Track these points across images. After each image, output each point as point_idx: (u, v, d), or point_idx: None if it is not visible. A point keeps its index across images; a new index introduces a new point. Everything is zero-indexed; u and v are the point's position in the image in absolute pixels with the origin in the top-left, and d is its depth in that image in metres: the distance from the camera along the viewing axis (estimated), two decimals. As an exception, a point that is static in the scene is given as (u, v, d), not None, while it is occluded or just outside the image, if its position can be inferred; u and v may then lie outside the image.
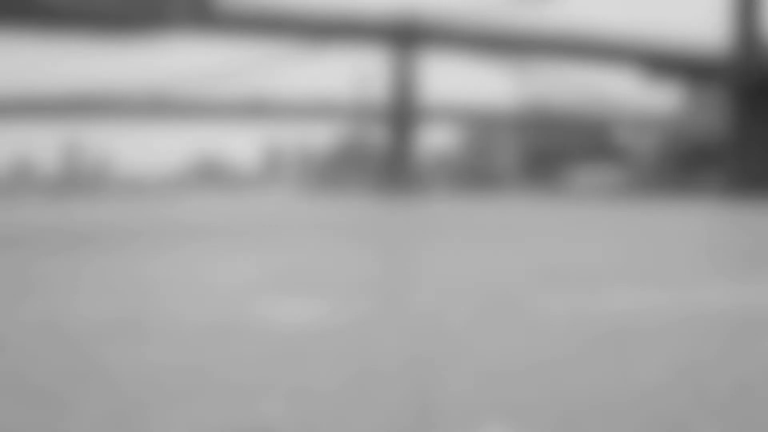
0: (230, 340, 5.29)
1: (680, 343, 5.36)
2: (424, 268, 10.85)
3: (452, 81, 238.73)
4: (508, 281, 9.26)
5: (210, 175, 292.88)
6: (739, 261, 12.95)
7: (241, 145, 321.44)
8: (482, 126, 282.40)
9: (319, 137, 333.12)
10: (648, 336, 5.70)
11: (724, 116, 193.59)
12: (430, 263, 11.94)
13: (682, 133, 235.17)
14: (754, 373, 4.37)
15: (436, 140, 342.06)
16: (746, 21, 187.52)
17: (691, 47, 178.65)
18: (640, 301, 8.01)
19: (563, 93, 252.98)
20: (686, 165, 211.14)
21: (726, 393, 3.96)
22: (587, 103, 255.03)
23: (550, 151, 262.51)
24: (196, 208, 54.08)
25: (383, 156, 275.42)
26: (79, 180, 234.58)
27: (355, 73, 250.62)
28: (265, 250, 14.15)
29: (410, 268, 10.89)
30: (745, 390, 4.00)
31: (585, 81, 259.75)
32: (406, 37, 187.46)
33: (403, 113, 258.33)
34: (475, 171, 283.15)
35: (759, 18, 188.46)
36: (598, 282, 9.83)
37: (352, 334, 5.54)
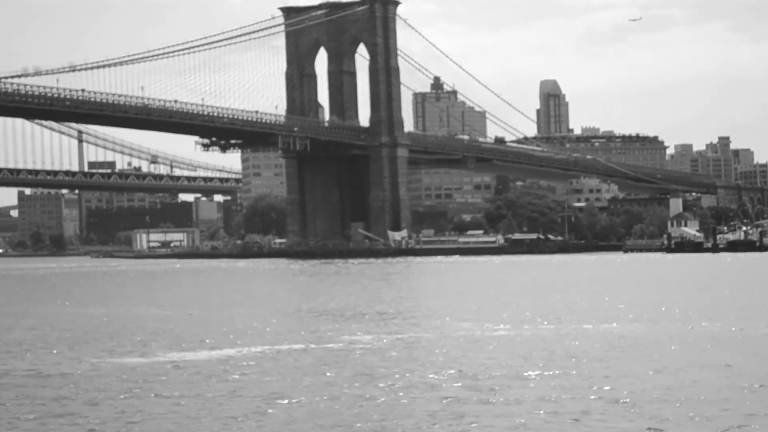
0: None
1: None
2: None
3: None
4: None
5: None
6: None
7: None
8: (45, 189, 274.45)
9: None
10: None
11: (287, 178, 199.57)
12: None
13: (247, 196, 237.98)
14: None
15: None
16: (299, 95, 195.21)
17: (254, 118, 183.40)
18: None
19: (132, 159, 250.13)
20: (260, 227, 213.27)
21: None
22: (157, 168, 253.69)
23: (114, 214, 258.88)
24: None
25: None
26: None
27: None
28: None
29: None
30: None
31: (156, 147, 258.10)
32: None
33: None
34: (40, 232, 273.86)
35: (310, 92, 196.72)
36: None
37: None
